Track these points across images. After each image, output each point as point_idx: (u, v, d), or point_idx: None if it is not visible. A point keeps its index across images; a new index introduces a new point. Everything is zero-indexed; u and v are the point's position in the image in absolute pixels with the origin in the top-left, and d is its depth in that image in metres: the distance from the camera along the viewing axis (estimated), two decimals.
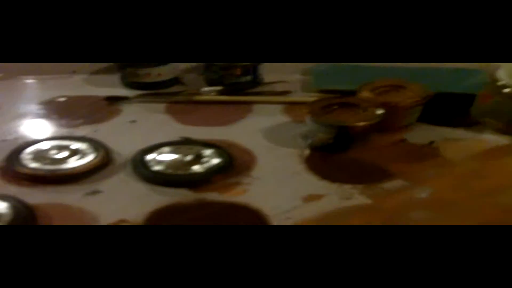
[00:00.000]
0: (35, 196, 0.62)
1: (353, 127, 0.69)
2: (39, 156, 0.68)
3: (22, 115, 0.82)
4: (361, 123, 0.70)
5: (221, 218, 0.62)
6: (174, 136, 0.75)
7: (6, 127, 0.79)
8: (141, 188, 0.65)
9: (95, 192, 0.64)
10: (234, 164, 0.68)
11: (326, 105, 0.73)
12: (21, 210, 0.59)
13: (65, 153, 0.69)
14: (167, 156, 0.69)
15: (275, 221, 0.60)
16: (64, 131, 0.77)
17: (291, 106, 0.84)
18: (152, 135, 0.75)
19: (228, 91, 0.87)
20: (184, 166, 0.67)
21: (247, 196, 0.64)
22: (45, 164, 0.67)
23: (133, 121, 0.80)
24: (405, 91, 0.76)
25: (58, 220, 0.60)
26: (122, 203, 0.63)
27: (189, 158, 0.68)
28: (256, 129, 0.78)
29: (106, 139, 0.73)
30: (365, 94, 0.75)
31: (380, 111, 0.71)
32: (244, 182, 0.66)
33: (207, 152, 0.69)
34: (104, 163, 0.69)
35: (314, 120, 0.70)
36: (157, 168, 0.67)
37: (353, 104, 0.73)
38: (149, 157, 0.68)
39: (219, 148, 0.70)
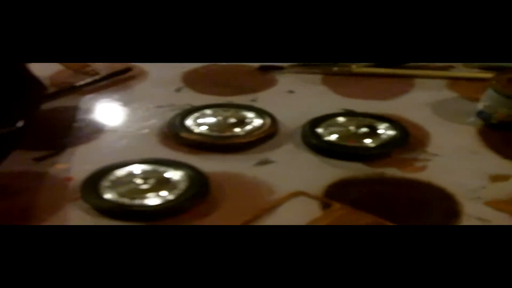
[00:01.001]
0: (203, 164, 0.60)
1: None
2: (204, 123, 0.66)
3: (173, 82, 0.79)
4: None
5: (402, 195, 0.58)
6: (335, 108, 0.72)
7: (158, 93, 0.77)
8: (313, 159, 0.62)
9: (266, 162, 0.62)
10: (409, 139, 0.64)
11: None
12: (196, 178, 0.56)
13: (232, 120, 0.66)
14: (337, 128, 0.65)
15: (463, 200, 0.55)
16: (221, 99, 0.74)
17: (456, 81, 0.80)
18: (312, 106, 0.72)
19: (385, 64, 0.83)
20: (357, 138, 0.63)
21: (427, 173, 0.60)
22: (212, 131, 0.65)
23: (291, 92, 0.77)
24: None
25: (231, 189, 0.58)
26: (296, 174, 0.60)
27: (362, 130, 0.64)
28: (423, 104, 0.74)
29: (266, 109, 0.70)
30: None
31: None
32: (421, 158, 0.62)
33: (381, 125, 0.65)
34: (272, 133, 0.65)
35: (501, 92, 0.65)
36: (329, 139, 0.63)
37: None
38: (320, 127, 0.65)
39: (392, 121, 0.66)
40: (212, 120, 0.67)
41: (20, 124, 0.60)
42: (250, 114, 0.68)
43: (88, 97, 0.76)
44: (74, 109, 0.72)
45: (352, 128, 0.65)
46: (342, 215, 0.53)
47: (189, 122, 0.66)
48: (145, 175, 0.57)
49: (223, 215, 0.54)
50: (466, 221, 0.53)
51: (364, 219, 0.52)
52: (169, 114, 0.70)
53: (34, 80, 0.68)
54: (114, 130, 0.68)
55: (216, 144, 0.63)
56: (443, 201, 0.56)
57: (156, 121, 0.70)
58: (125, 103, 0.75)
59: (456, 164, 0.62)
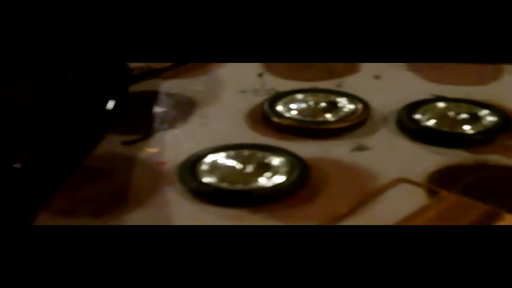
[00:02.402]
0: (297, 149, 0.58)
1: None
2: (295, 108, 0.64)
3: (253, 66, 0.77)
4: None
5: (506, 183, 0.55)
6: (425, 94, 0.70)
7: (240, 78, 0.75)
8: (411, 146, 0.60)
9: (362, 148, 0.60)
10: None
11: None
12: (296, 163, 0.55)
13: (323, 105, 0.64)
14: (435, 113, 0.63)
15: None
16: (305, 85, 0.72)
17: None
18: (402, 92, 0.70)
19: None
20: (457, 124, 0.61)
21: None
22: (304, 116, 0.63)
23: (377, 77, 0.75)
24: None
25: (331, 175, 0.56)
26: (396, 161, 0.58)
27: (462, 116, 0.62)
28: None
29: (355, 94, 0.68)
30: None
31: None
32: None
33: (481, 111, 0.62)
34: (364, 118, 0.63)
35: None
36: (427, 125, 0.61)
37: None
38: (416, 113, 0.62)
39: (492, 107, 0.63)
40: (302, 105, 0.65)
41: (111, 105, 0.59)
42: (340, 99, 0.66)
43: (169, 81, 0.74)
44: (158, 93, 0.71)
45: (451, 113, 0.63)
46: (452, 203, 0.51)
47: (279, 107, 0.64)
48: (243, 160, 0.55)
49: (328, 200, 0.52)
50: None
51: (477, 207, 0.50)
52: (254, 99, 0.68)
53: (120, 63, 0.66)
54: (200, 115, 0.66)
55: (311, 129, 0.61)
56: None
57: (242, 105, 0.68)
58: (207, 88, 0.73)
59: None
